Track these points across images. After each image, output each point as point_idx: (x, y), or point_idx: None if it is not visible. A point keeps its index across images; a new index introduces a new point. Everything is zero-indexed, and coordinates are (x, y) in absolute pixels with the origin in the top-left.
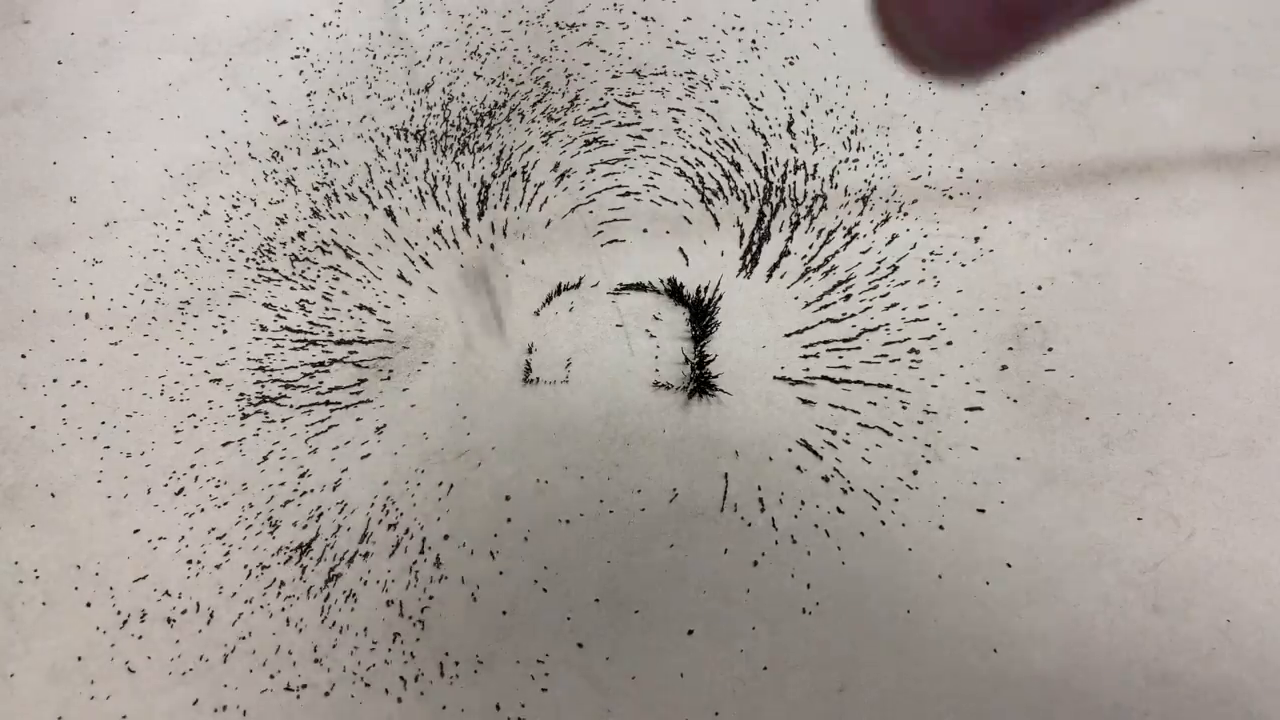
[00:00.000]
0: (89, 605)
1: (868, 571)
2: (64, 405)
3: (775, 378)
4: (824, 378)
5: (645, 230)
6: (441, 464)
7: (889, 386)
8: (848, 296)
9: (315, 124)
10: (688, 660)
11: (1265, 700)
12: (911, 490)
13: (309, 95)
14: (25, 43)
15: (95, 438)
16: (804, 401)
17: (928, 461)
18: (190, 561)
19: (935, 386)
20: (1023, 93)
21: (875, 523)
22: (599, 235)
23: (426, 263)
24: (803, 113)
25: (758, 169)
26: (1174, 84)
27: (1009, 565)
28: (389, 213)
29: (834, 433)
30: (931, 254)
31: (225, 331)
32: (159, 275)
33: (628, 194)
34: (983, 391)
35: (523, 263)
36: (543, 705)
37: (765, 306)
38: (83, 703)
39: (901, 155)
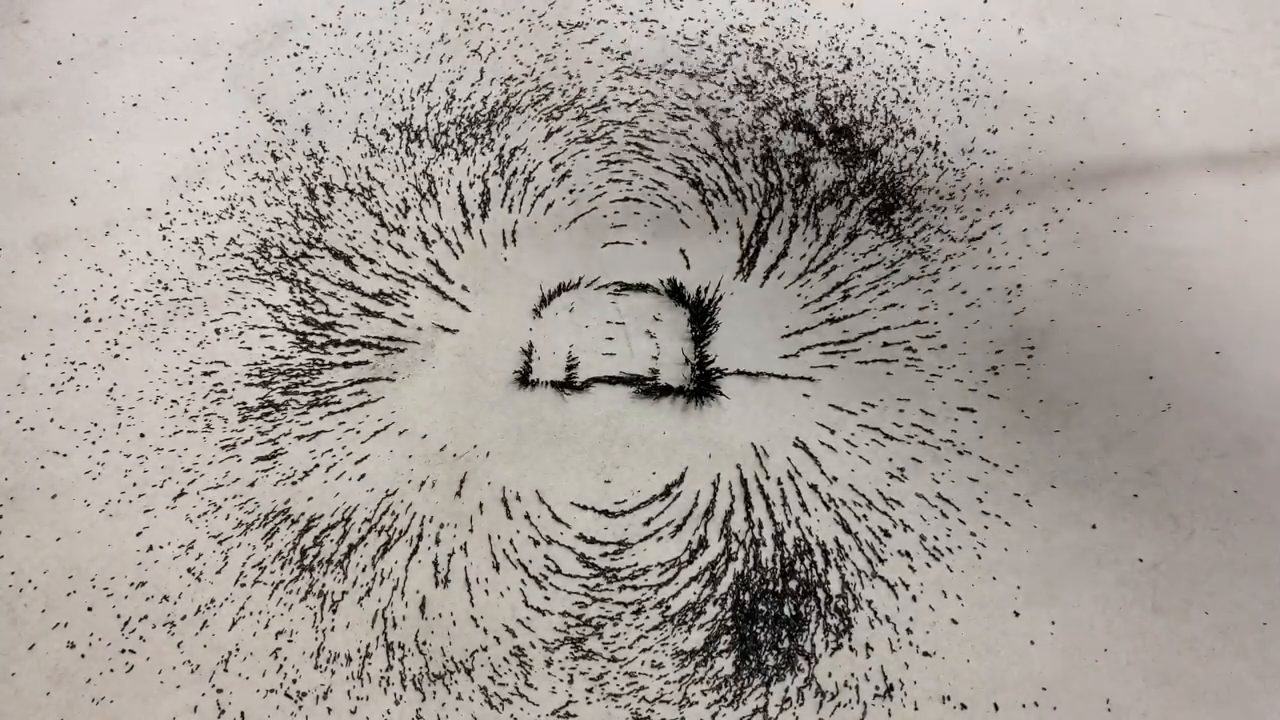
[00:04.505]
0: (90, 610)
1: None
2: (63, 408)
3: (775, 378)
4: (822, 378)
5: (646, 230)
6: (442, 465)
7: (887, 387)
8: (846, 297)
9: (314, 123)
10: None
11: (1265, 700)
12: (909, 491)
13: (308, 94)
14: (25, 43)
15: (95, 441)
16: (803, 402)
17: (921, 462)
18: (190, 566)
19: (934, 387)
20: (1018, 93)
21: (875, 526)
22: (600, 236)
23: (428, 263)
24: (803, 113)
25: (758, 170)
26: (1174, 85)
27: (1009, 566)
28: (388, 213)
29: (833, 433)
30: (931, 255)
31: (224, 333)
32: (158, 277)
33: (630, 196)
34: (981, 392)
35: (523, 263)
36: (536, 699)
37: (765, 307)
38: (84, 705)
39: (902, 158)
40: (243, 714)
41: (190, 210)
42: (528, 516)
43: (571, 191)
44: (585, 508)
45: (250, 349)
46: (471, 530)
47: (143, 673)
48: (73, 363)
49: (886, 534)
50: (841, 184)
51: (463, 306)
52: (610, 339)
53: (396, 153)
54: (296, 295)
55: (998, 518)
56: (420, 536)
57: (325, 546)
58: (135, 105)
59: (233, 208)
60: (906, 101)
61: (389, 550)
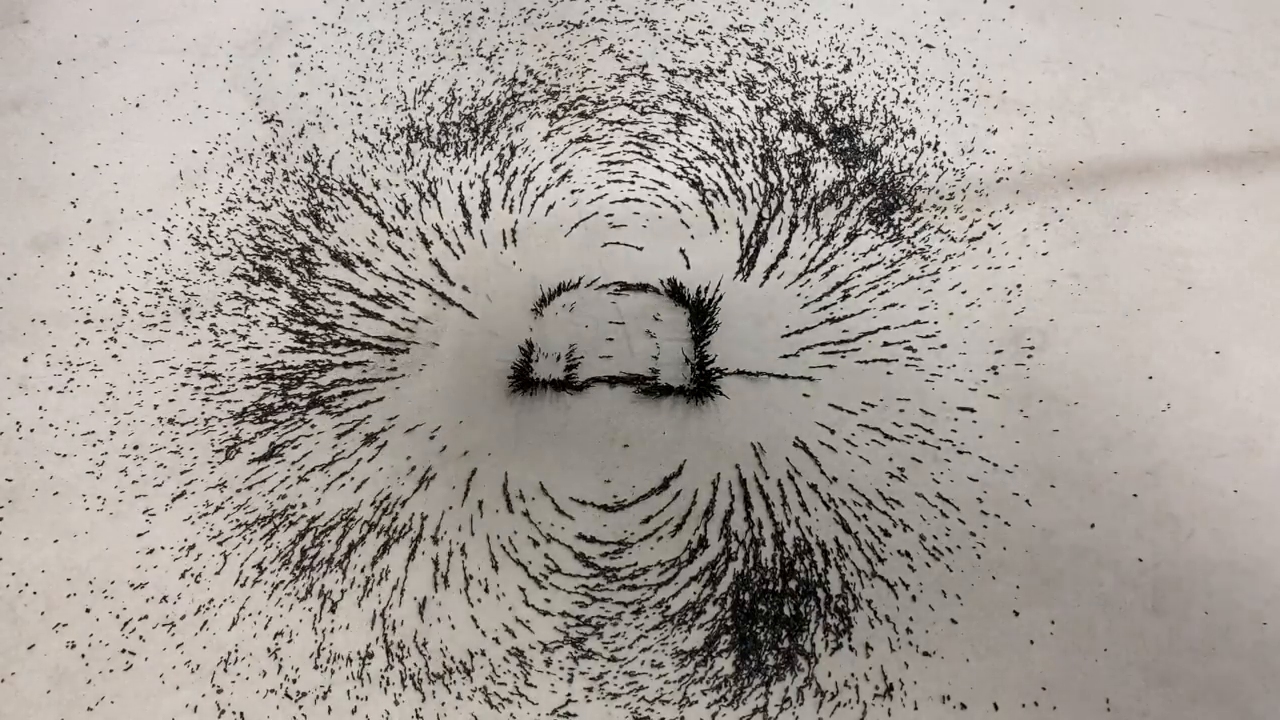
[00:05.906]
0: (88, 610)
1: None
2: (63, 409)
3: (774, 378)
4: (822, 378)
5: (646, 229)
6: (442, 465)
7: (887, 387)
8: (846, 297)
9: (314, 123)
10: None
11: (1265, 700)
12: (909, 491)
13: (308, 95)
14: (25, 43)
15: (95, 443)
16: (803, 402)
17: (921, 462)
18: (189, 567)
19: (934, 387)
20: (1018, 93)
21: (874, 525)
22: (601, 236)
23: (428, 263)
24: (804, 114)
25: (758, 172)
26: (1174, 85)
27: (1009, 565)
28: (388, 213)
29: (833, 433)
30: (931, 254)
31: (224, 333)
32: (158, 278)
33: (630, 197)
34: (981, 392)
35: (523, 263)
36: (536, 699)
37: (765, 307)
38: (84, 705)
39: (902, 158)
40: (242, 714)
41: (191, 211)
42: (527, 516)
43: (573, 192)
44: (585, 503)
45: (250, 349)
46: (472, 531)
47: (143, 673)
48: (73, 363)
49: (886, 534)
50: (841, 184)
51: (463, 308)
52: (610, 339)
53: (396, 153)
54: (297, 295)
55: (997, 518)
56: (420, 537)
57: (325, 547)
58: (136, 106)
59: (233, 208)
60: (907, 102)
61: (389, 550)
